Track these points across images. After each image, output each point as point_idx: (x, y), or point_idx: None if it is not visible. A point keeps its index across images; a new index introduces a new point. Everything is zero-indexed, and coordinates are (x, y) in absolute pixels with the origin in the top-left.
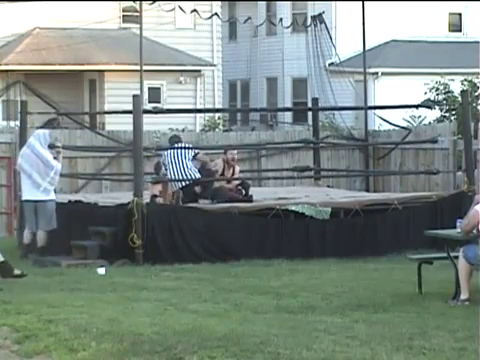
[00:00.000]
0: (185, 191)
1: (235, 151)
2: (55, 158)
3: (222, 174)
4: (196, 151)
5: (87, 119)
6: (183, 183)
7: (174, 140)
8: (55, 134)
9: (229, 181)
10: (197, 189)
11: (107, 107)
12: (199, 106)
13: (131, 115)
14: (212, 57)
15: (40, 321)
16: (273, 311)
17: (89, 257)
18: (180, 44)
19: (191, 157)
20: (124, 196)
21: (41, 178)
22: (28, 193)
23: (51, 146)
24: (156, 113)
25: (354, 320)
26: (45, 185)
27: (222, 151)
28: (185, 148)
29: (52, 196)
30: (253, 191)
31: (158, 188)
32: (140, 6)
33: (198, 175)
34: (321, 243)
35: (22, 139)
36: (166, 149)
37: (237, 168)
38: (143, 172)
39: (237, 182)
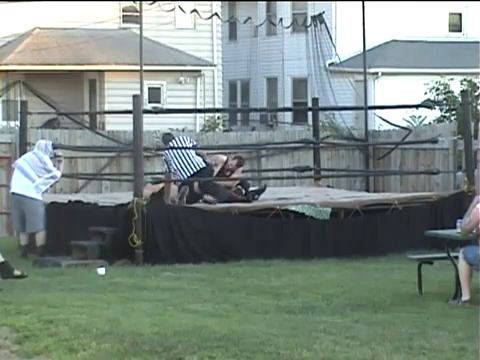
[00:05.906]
0: (194, 180)
1: (234, 162)
2: (56, 166)
3: (220, 171)
4: (195, 143)
5: (87, 119)
6: (191, 172)
7: (167, 138)
8: (55, 134)
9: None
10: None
11: (107, 107)
12: (199, 106)
13: (131, 115)
14: (212, 57)
15: (40, 321)
16: (273, 311)
17: (89, 257)
18: (180, 44)
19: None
20: (124, 196)
21: (37, 175)
22: (18, 186)
23: (53, 155)
24: (156, 113)
25: (354, 320)
26: (38, 182)
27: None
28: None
29: (40, 197)
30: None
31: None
32: (140, 6)
33: (204, 164)
34: (321, 243)
35: (22, 139)
36: (165, 149)
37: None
38: (143, 172)
39: (237, 181)
